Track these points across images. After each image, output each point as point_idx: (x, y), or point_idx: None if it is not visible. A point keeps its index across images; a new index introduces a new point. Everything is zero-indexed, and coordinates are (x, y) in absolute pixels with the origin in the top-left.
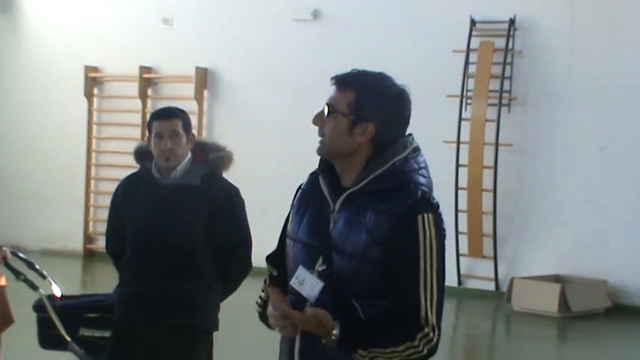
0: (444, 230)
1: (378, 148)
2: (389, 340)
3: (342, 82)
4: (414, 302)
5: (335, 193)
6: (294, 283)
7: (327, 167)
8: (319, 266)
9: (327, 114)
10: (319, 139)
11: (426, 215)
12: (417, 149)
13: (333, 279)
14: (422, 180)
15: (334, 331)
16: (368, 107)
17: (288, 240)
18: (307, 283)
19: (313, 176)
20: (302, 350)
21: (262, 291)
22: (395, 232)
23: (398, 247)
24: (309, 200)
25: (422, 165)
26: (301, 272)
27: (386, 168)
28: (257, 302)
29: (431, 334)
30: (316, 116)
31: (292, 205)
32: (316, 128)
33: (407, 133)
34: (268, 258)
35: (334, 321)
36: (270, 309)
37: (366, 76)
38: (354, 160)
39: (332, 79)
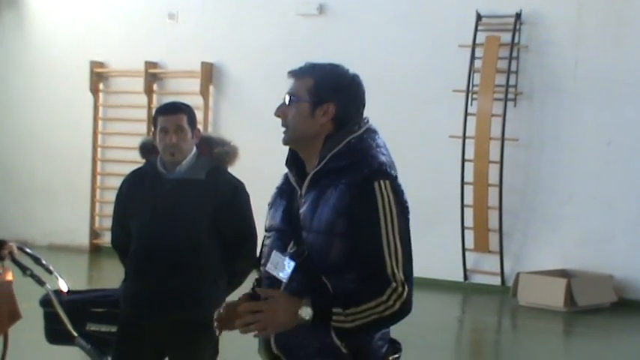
0: (405, 202)
1: (338, 129)
2: (360, 299)
3: (300, 72)
4: (380, 262)
5: (302, 180)
6: (269, 267)
7: (292, 158)
8: (290, 248)
9: (289, 103)
10: (282, 129)
11: (382, 182)
12: (374, 131)
13: (303, 257)
14: (380, 157)
15: (306, 306)
16: (327, 89)
17: (266, 234)
18: (280, 265)
19: (286, 174)
20: (277, 341)
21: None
22: (354, 201)
23: (358, 214)
24: (282, 195)
25: (380, 145)
26: (275, 256)
27: (342, 145)
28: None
29: (400, 289)
30: (278, 109)
31: (268, 205)
32: None
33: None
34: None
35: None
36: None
37: (321, 65)
38: (316, 143)
39: (288, 73)
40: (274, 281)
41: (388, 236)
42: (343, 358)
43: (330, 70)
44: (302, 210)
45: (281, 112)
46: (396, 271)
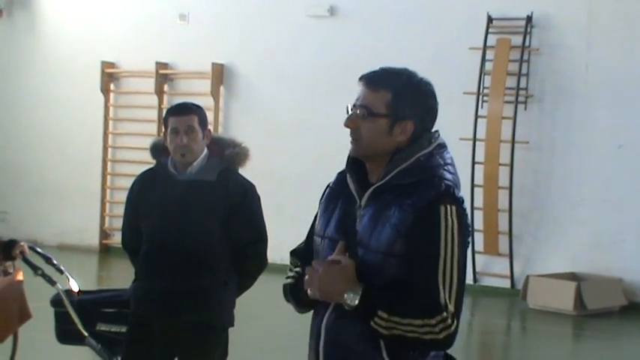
0: (468, 226)
1: (410, 143)
2: (408, 311)
3: (375, 82)
4: (433, 291)
5: (362, 190)
6: None
7: (354, 165)
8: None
9: (363, 116)
10: (351, 139)
11: (449, 206)
12: (443, 146)
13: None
14: (447, 175)
15: (354, 293)
16: (406, 106)
17: (316, 237)
18: None
19: (342, 175)
20: (326, 343)
21: (291, 270)
22: (417, 223)
23: (419, 236)
24: (337, 198)
25: (448, 161)
26: None
27: (410, 162)
28: (288, 277)
29: (449, 321)
30: (349, 119)
31: (320, 203)
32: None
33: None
34: (293, 252)
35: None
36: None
37: (398, 75)
38: (386, 157)
39: (361, 79)
40: None
41: (445, 266)
42: None
43: (408, 81)
44: (360, 224)
45: (352, 123)
46: (448, 302)
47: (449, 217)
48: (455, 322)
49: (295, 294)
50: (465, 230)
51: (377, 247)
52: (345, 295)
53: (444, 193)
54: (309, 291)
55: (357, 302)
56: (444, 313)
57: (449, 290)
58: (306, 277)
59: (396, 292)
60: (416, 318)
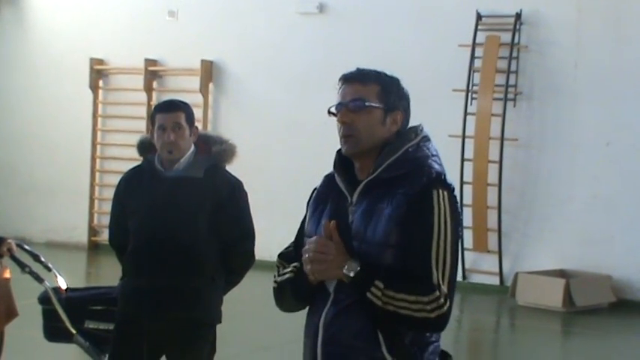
0: (459, 214)
1: (396, 137)
2: (402, 287)
3: (362, 77)
4: (426, 272)
5: (352, 188)
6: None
7: (342, 164)
8: None
9: (358, 108)
10: (344, 137)
11: (440, 191)
12: (427, 138)
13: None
14: (435, 165)
15: (353, 263)
16: (394, 96)
17: (307, 239)
18: None
19: (328, 177)
20: (324, 341)
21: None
22: (410, 209)
23: (413, 220)
24: (326, 199)
25: (434, 153)
26: None
27: (399, 154)
28: (285, 273)
29: (442, 300)
30: (343, 114)
31: (307, 206)
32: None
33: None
34: (280, 255)
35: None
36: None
37: (377, 72)
38: (376, 151)
39: (344, 78)
40: (322, 290)
41: (439, 248)
42: None
43: (388, 77)
44: (353, 219)
45: (348, 117)
46: (441, 282)
47: (441, 202)
48: (447, 303)
49: (295, 287)
50: (457, 218)
51: (373, 239)
52: (344, 266)
53: (435, 179)
54: (309, 275)
55: (357, 270)
56: (437, 292)
57: (442, 272)
58: (305, 255)
59: (392, 270)
60: (410, 294)
